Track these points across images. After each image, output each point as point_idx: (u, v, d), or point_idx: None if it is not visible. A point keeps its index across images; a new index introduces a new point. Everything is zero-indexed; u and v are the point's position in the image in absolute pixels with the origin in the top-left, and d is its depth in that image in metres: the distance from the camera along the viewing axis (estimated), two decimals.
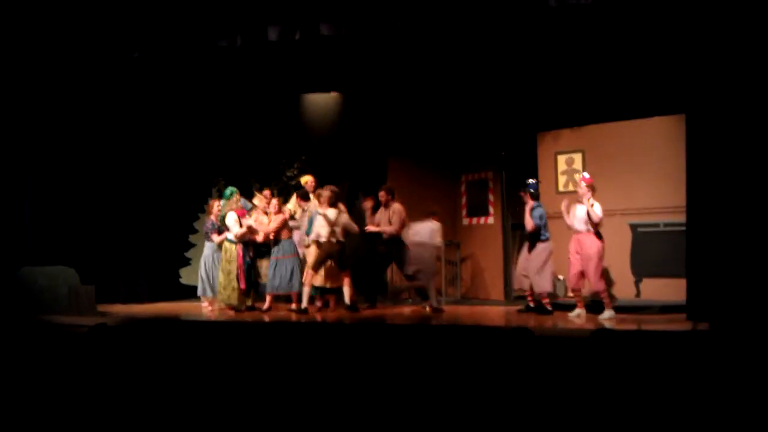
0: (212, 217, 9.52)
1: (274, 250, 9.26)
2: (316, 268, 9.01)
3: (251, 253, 9.32)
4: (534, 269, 8.61)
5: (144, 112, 10.91)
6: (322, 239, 8.98)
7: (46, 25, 9.16)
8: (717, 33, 6.82)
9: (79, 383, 4.57)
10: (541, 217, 8.57)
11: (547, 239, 8.62)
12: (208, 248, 9.55)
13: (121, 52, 9.05)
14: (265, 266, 9.48)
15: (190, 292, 10.12)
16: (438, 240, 9.17)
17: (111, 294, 10.59)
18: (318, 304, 9.36)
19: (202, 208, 10.64)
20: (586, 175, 8.26)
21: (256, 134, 11.36)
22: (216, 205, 9.62)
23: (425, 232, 9.13)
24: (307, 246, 9.16)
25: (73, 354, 4.91)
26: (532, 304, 8.66)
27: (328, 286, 9.17)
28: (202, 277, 9.54)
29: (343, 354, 5.42)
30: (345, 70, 10.27)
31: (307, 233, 9.26)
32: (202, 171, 11.34)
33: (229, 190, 9.60)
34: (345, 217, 9.12)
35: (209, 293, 9.50)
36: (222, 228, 9.42)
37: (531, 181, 8.84)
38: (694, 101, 7.07)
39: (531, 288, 8.64)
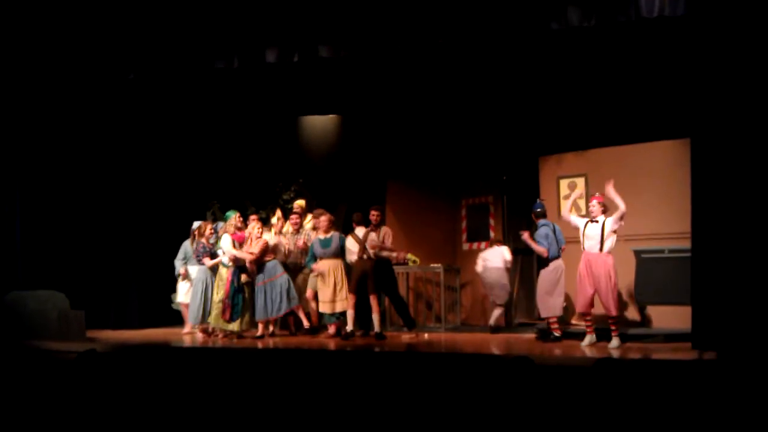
0: (204, 240, 9.48)
1: (259, 276, 9.18)
2: (353, 290, 9.02)
3: (244, 278, 9.27)
4: (541, 291, 8.57)
5: (139, 133, 10.95)
6: (354, 258, 9.00)
7: (39, 45, 9.21)
8: (723, 56, 6.85)
9: (67, 411, 4.53)
10: (546, 236, 8.53)
11: (554, 258, 8.57)
12: (201, 272, 9.50)
13: (115, 73, 9.10)
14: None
15: (182, 318, 10.07)
16: (509, 260, 9.61)
17: (101, 319, 10.54)
18: (331, 330, 9.33)
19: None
20: (597, 195, 8.24)
21: (252, 157, 11.39)
22: (209, 228, 9.61)
23: (496, 257, 9.54)
24: (317, 275, 9.20)
25: (61, 381, 4.88)
26: (557, 333, 8.50)
27: (337, 311, 9.15)
28: (195, 303, 9.44)
29: (341, 382, 5.38)
30: (344, 92, 10.33)
31: (307, 265, 9.33)
32: (196, 194, 11.34)
33: (229, 213, 9.63)
34: (374, 236, 9.09)
35: (200, 320, 9.41)
36: (214, 251, 9.42)
37: (537, 201, 8.82)
38: (698, 125, 7.08)
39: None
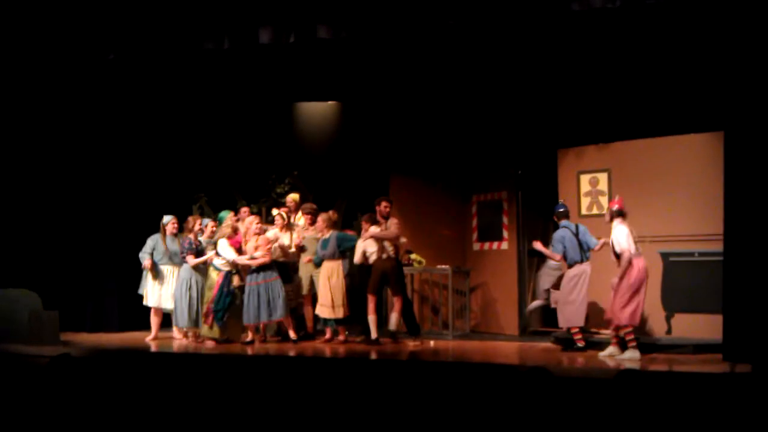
0: (191, 236, 9.44)
1: (251, 276, 9.13)
2: (374, 291, 9.07)
3: (238, 282, 9.27)
4: (561, 298, 8.58)
5: (119, 120, 10.92)
6: (373, 257, 9.04)
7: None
8: (762, 40, 6.81)
9: (37, 421, 4.52)
10: (562, 239, 8.52)
11: (575, 263, 8.56)
12: (185, 271, 9.46)
13: (94, 52, 9.03)
14: None
15: (165, 321, 10.06)
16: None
17: (77, 321, 10.54)
18: (327, 335, 9.41)
19: (182, 228, 10.60)
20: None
21: (243, 146, 11.38)
22: (197, 223, 9.58)
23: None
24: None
25: (31, 387, 4.86)
26: (580, 344, 8.52)
27: (337, 317, 9.17)
28: (181, 305, 9.41)
29: (337, 392, 5.37)
30: (344, 76, 10.31)
31: (316, 263, 9.36)
32: (182, 186, 11.32)
33: (222, 213, 9.66)
34: (394, 230, 9.14)
35: (187, 323, 9.38)
36: (202, 250, 9.41)
37: (560, 202, 8.85)
38: (733, 116, 7.06)
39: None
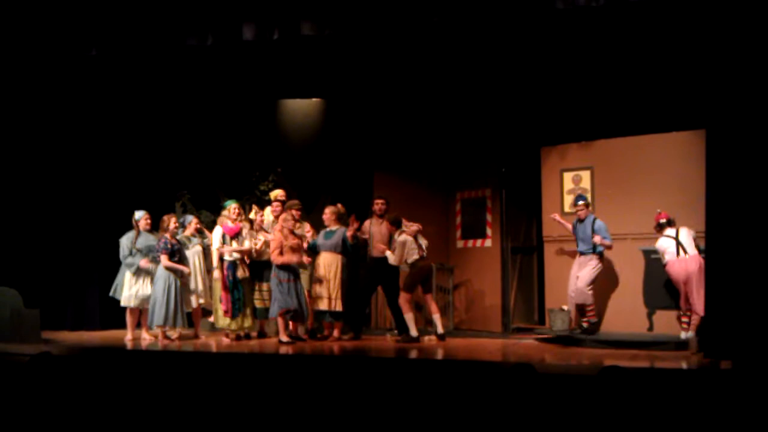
0: (167, 235, 9.32)
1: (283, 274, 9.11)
2: (410, 289, 9.21)
3: (244, 272, 9.24)
4: (582, 280, 8.86)
5: (101, 116, 10.83)
6: (415, 258, 9.14)
7: None
8: (744, 39, 6.85)
9: (17, 420, 4.48)
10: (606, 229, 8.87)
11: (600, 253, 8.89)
12: (162, 269, 9.36)
13: (75, 48, 8.95)
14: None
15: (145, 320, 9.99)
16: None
17: (58, 319, 10.45)
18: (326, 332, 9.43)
19: (157, 226, 10.53)
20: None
21: (227, 143, 11.31)
22: (173, 222, 9.47)
23: None
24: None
25: (13, 386, 4.82)
26: (595, 319, 8.88)
27: (335, 309, 9.20)
28: (157, 303, 9.30)
29: (327, 388, 5.36)
30: (328, 74, 10.27)
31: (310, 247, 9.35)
32: (165, 183, 11.26)
33: (228, 201, 9.63)
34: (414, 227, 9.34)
35: (161, 322, 9.26)
36: (176, 249, 9.33)
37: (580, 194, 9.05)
38: (715, 115, 7.09)
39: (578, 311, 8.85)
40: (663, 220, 8.43)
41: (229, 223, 9.31)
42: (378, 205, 9.54)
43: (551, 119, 10.04)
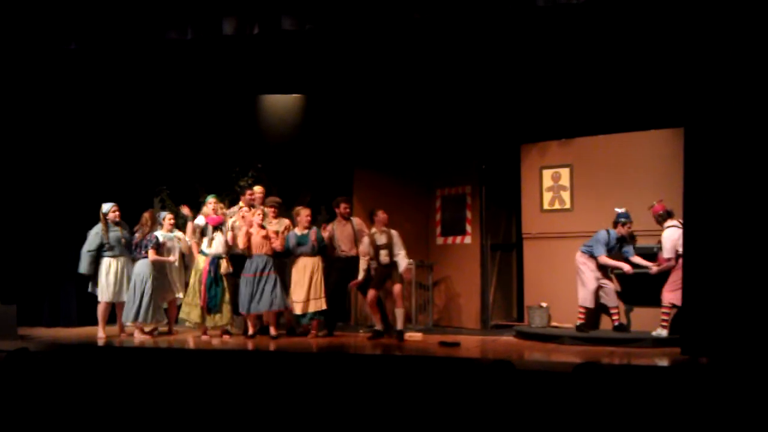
0: (160, 231, 9.34)
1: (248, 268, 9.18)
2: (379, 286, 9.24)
3: (226, 269, 9.21)
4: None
5: (80, 110, 10.76)
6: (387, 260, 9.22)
7: None
8: (722, 37, 6.92)
9: None
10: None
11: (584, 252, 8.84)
12: (142, 266, 9.33)
13: (55, 42, 8.89)
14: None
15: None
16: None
17: (34, 316, 10.39)
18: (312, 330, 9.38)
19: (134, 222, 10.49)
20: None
21: (206, 138, 11.26)
22: (168, 218, 9.50)
23: None
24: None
25: None
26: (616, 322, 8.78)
27: (310, 311, 9.17)
28: (131, 299, 9.26)
29: (301, 385, 5.36)
30: (308, 69, 10.25)
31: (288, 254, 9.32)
32: (143, 178, 11.19)
33: (209, 197, 9.60)
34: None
35: (133, 319, 9.22)
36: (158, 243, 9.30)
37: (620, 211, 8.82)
38: (694, 113, 7.15)
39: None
40: (662, 211, 8.36)
41: (212, 215, 9.26)
42: (344, 208, 9.48)
43: (531, 116, 10.09)
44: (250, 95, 11.33)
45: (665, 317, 8.21)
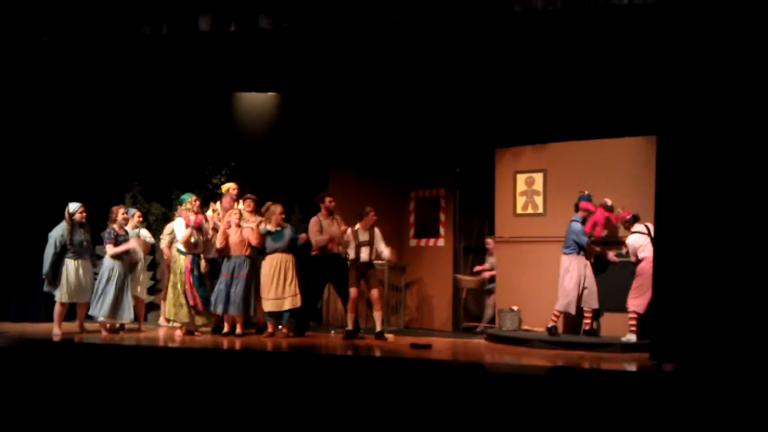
0: (115, 226, 9.22)
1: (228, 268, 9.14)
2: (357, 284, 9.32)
3: (204, 267, 9.16)
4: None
5: (51, 104, 10.62)
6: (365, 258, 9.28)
7: None
8: (694, 49, 7.01)
9: None
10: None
11: (569, 253, 8.82)
12: (108, 261, 9.19)
13: (27, 34, 8.78)
14: None
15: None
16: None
17: (2, 311, 10.26)
18: (270, 329, 9.31)
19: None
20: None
21: (180, 135, 11.19)
22: (121, 213, 9.37)
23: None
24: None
25: None
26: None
27: (285, 308, 9.15)
28: (103, 295, 9.07)
29: (274, 386, 5.35)
30: (284, 68, 10.23)
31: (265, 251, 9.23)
32: (115, 174, 11.08)
33: (184, 196, 9.47)
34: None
35: (106, 313, 9.10)
36: (124, 240, 9.23)
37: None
38: (666, 121, 7.24)
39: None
40: (629, 217, 8.53)
41: (191, 216, 9.18)
42: (329, 201, 9.47)
43: (506, 121, 10.15)
44: (225, 92, 11.28)
45: (633, 323, 8.31)
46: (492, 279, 10.17)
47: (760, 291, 6.63)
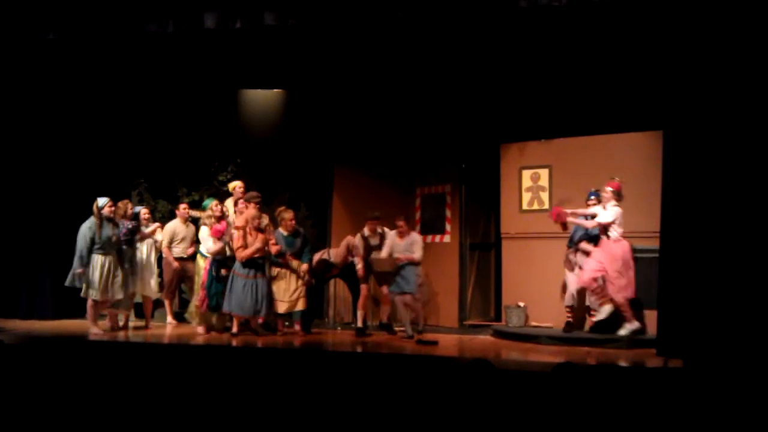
0: (124, 220, 9.26)
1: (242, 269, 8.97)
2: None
3: (223, 270, 9.07)
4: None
5: (58, 102, 10.65)
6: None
7: None
8: (701, 43, 6.98)
9: None
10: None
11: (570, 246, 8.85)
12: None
13: (33, 32, 8.79)
14: None
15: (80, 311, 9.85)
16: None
17: (9, 308, 10.30)
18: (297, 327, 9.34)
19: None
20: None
21: (186, 132, 11.20)
22: (129, 207, 9.42)
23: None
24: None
25: None
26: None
27: (298, 309, 9.17)
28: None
29: (283, 382, 5.35)
30: (290, 65, 10.21)
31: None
32: (121, 171, 11.10)
33: (207, 201, 9.50)
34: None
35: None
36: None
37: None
38: (673, 116, 7.22)
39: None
40: (618, 190, 8.44)
41: (216, 224, 9.10)
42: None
43: (511, 117, 10.12)
44: (230, 90, 11.27)
45: (626, 314, 8.26)
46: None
47: (767, 287, 6.60)
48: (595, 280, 8.28)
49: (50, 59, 9.91)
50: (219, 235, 9.07)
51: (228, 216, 9.54)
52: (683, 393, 5.60)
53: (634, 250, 8.49)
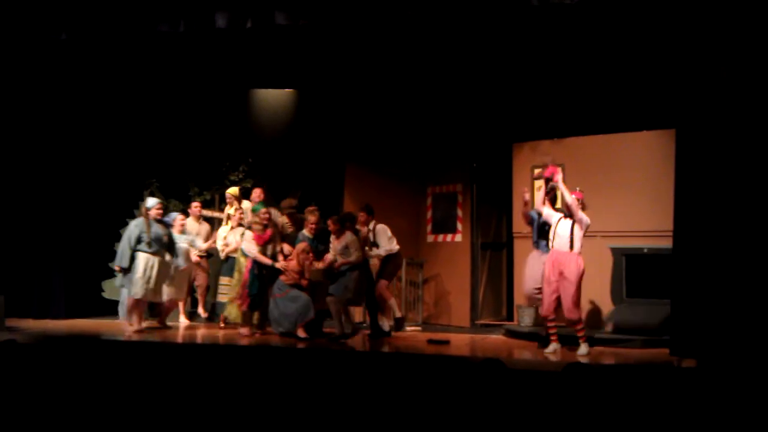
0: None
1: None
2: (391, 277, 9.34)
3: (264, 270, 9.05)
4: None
5: (70, 102, 10.71)
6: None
7: None
8: (715, 40, 6.95)
9: None
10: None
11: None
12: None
13: (45, 32, 8.84)
14: None
15: (113, 308, 9.91)
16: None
17: (22, 307, 10.35)
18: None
19: (131, 213, 10.43)
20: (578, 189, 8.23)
21: (197, 132, 11.24)
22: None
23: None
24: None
25: None
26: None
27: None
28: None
29: (299, 382, 5.37)
30: (301, 64, 10.23)
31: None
32: (133, 171, 11.16)
33: (256, 206, 9.56)
34: None
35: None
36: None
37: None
38: (686, 115, 7.18)
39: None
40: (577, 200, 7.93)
41: (261, 232, 9.10)
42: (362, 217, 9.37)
43: (523, 116, 10.11)
44: (242, 89, 11.31)
45: (580, 333, 7.86)
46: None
47: None
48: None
49: (63, 60, 9.96)
50: (263, 243, 9.07)
51: (274, 223, 9.45)
52: (697, 393, 5.59)
53: (646, 250, 8.47)
